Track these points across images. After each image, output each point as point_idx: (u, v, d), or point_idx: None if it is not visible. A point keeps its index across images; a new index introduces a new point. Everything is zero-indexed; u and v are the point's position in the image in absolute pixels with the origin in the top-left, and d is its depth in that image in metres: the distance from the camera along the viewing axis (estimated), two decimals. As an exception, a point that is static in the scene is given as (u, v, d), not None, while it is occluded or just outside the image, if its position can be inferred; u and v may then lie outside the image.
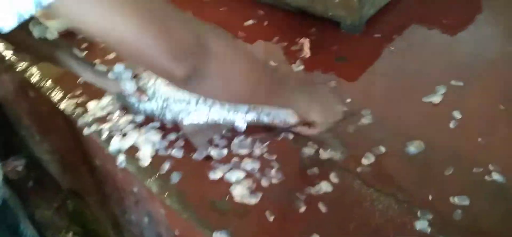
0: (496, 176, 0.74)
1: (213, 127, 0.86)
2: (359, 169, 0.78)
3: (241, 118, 0.85)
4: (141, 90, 0.86)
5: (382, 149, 0.81)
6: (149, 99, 0.87)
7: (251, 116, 0.85)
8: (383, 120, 0.87)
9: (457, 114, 0.87)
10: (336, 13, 1.17)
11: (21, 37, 0.75)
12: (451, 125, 0.85)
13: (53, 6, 0.45)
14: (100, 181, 1.14)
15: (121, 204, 1.11)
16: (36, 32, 0.72)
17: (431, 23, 1.20)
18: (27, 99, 1.29)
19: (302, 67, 1.06)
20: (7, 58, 1.20)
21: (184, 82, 0.57)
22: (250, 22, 1.27)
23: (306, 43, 1.13)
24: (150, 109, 0.88)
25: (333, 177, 0.76)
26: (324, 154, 0.81)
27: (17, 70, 1.15)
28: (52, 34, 0.79)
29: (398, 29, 1.18)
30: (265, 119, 0.85)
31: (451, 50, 1.09)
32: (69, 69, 0.83)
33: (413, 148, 0.81)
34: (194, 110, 0.85)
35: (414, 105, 0.91)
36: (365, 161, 0.79)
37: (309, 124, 0.82)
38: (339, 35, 1.18)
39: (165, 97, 0.86)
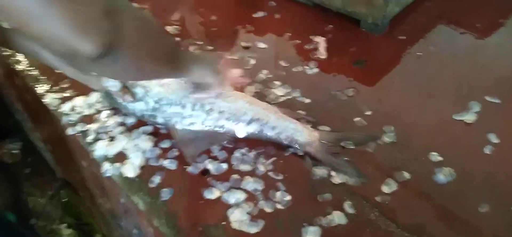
0: (540, 218, 0.63)
1: (210, 136, 0.75)
2: (378, 198, 0.67)
3: (241, 129, 0.75)
4: (126, 89, 0.76)
5: (406, 175, 0.70)
6: (137, 99, 0.76)
7: (253, 128, 0.75)
8: (407, 139, 0.76)
9: (493, 138, 0.76)
10: (356, 10, 1.05)
11: None
12: (486, 151, 0.74)
13: None
14: (89, 180, 1.04)
15: (111, 208, 1.01)
16: (4, 23, 0.62)
17: (462, 25, 1.07)
18: (14, 85, 1.19)
19: (316, 70, 0.95)
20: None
21: (91, 62, 0.49)
22: (260, 14, 1.15)
23: (321, 42, 1.02)
24: (140, 111, 0.78)
25: (348, 207, 0.66)
26: (338, 177, 0.70)
27: (3, 54, 1.05)
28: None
29: (425, 31, 1.06)
30: (269, 133, 0.74)
31: (485, 59, 0.97)
32: (49, 63, 0.72)
33: (442, 175, 0.70)
34: (189, 115, 0.75)
35: (443, 124, 0.80)
36: (385, 189, 0.68)
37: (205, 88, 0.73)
38: (359, 35, 1.06)
39: (158, 98, 0.76)
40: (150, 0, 1.27)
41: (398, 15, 1.07)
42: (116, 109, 0.82)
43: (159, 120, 0.77)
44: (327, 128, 0.78)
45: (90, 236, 1.49)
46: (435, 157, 0.72)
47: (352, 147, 0.75)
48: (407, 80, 0.91)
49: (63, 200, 1.60)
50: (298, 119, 0.77)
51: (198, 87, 0.73)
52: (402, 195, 0.67)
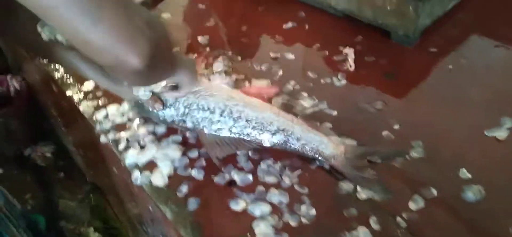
0: None
1: (235, 142, 0.77)
2: (405, 214, 0.66)
3: (267, 138, 0.75)
4: (156, 97, 0.77)
5: (434, 192, 0.69)
6: (168, 106, 0.78)
7: (278, 138, 0.75)
8: (436, 154, 0.75)
9: (526, 156, 0.73)
10: (387, 22, 1.05)
11: (31, 37, 0.68)
12: (519, 169, 0.72)
13: None
14: (119, 186, 1.07)
15: (138, 214, 1.04)
16: (45, 33, 0.65)
17: (496, 37, 1.04)
18: (51, 91, 1.23)
19: (345, 81, 0.94)
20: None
21: (138, 75, 0.53)
22: (289, 24, 1.15)
23: (350, 53, 1.01)
24: (170, 116, 0.79)
25: (374, 222, 0.65)
26: (363, 193, 0.69)
27: (42, 61, 1.10)
28: (62, 37, 0.71)
29: (457, 43, 1.04)
30: (294, 144, 0.75)
31: (520, 74, 0.94)
32: (82, 74, 0.75)
33: (471, 193, 0.68)
34: (217, 121, 0.77)
35: (474, 140, 0.78)
36: (412, 205, 0.67)
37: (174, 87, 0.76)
38: (389, 47, 1.04)
39: (188, 103, 0.78)
40: (179, 9, 1.30)
41: (429, 27, 1.05)
42: (145, 118, 0.84)
43: (189, 124, 0.78)
44: (353, 142, 0.78)
45: (117, 239, 1.52)
46: (464, 173, 0.71)
47: (378, 161, 0.74)
48: (438, 93, 0.90)
49: (92, 204, 1.64)
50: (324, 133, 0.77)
51: (174, 86, 0.76)
52: (430, 212, 0.66)
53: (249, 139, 0.77)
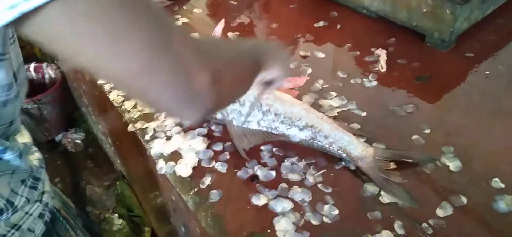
0: None
1: (263, 135, 0.76)
2: (431, 221, 0.64)
3: (295, 133, 0.75)
4: None
5: (464, 200, 0.66)
6: None
7: (306, 134, 0.75)
8: (468, 161, 0.72)
9: None
10: (422, 24, 1.02)
11: None
12: (555, 182, 0.68)
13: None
14: (144, 175, 1.09)
15: (162, 203, 1.05)
16: None
17: (537, 45, 1.00)
18: (84, 80, 1.26)
19: (375, 83, 0.92)
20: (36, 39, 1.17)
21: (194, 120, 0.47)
22: (321, 23, 1.14)
23: (382, 55, 0.99)
24: None
25: (398, 227, 0.63)
26: (387, 197, 0.67)
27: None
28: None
29: (494, 49, 1.00)
30: (322, 142, 0.74)
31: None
32: None
33: (504, 204, 0.65)
34: (247, 113, 0.76)
35: (508, 149, 0.75)
36: (440, 212, 0.65)
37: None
38: (423, 50, 1.02)
39: None
40: (210, 4, 1.31)
41: (466, 31, 1.02)
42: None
43: (218, 115, 0.79)
44: (382, 146, 0.76)
45: (139, 227, 1.54)
46: (497, 183, 0.68)
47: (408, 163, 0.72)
48: (472, 99, 0.87)
49: (118, 192, 1.68)
50: (353, 134, 0.76)
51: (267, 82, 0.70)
52: (458, 221, 0.64)
53: (276, 133, 0.76)
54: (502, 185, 0.68)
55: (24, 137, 0.59)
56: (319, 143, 0.74)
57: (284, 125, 0.76)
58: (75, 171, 1.86)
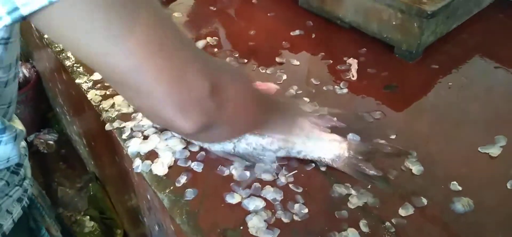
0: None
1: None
2: (394, 220, 0.68)
3: (269, 156, 0.77)
4: None
5: (424, 201, 0.71)
6: None
7: (280, 154, 0.77)
8: (429, 166, 0.77)
9: (517, 174, 0.75)
10: (392, 36, 1.07)
11: None
12: (509, 185, 0.74)
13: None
14: (119, 176, 1.10)
15: (135, 203, 1.06)
16: None
17: (497, 59, 1.07)
18: (61, 79, 1.27)
19: (346, 90, 0.97)
20: (46, 36, 1.18)
21: (192, 136, 0.48)
22: (297, 32, 1.18)
23: (354, 64, 1.04)
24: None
25: (363, 225, 0.67)
26: (357, 198, 0.71)
27: (54, 50, 1.13)
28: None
29: (458, 62, 1.06)
30: (297, 156, 0.77)
31: (518, 95, 0.96)
32: None
33: (460, 205, 0.70)
34: (218, 144, 0.77)
35: (467, 155, 0.80)
36: (402, 212, 0.69)
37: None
38: (392, 61, 1.07)
39: None
40: (190, 9, 1.33)
41: (432, 45, 1.08)
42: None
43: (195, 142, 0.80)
44: (357, 137, 0.80)
45: (111, 230, 1.54)
46: (455, 186, 0.73)
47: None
48: (436, 109, 0.92)
49: (90, 194, 1.67)
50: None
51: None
52: (418, 220, 0.68)
53: (253, 156, 0.77)
54: (460, 188, 0.73)
55: (18, 124, 0.61)
56: (294, 157, 0.77)
57: (257, 151, 0.76)
58: (47, 172, 1.85)
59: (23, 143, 0.64)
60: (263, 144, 0.76)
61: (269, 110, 0.68)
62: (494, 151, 0.80)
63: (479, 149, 0.81)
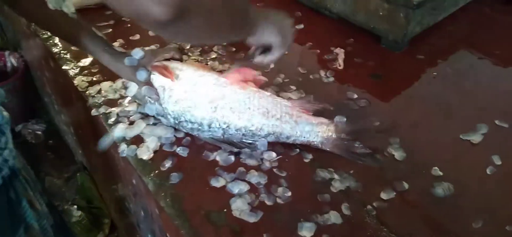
0: (534, 241, 0.64)
1: (231, 142, 0.78)
2: (375, 203, 0.69)
3: (260, 143, 0.78)
4: (151, 85, 0.79)
5: (405, 185, 0.72)
6: (158, 114, 0.81)
7: (270, 139, 0.78)
8: (411, 152, 0.78)
9: (496, 160, 0.77)
10: (379, 27, 1.08)
11: (34, 6, 0.70)
12: (488, 171, 0.75)
13: None
14: (105, 163, 1.10)
15: (122, 191, 1.06)
16: (51, 3, 0.66)
17: (482, 51, 1.09)
18: (49, 68, 1.26)
19: (332, 79, 0.98)
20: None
21: (164, 26, 0.47)
22: (285, 22, 1.18)
23: (341, 54, 1.05)
24: (166, 122, 0.81)
25: (345, 208, 0.68)
26: (339, 182, 0.72)
27: (42, 37, 1.12)
28: (68, 8, 0.72)
29: (444, 53, 1.08)
30: (286, 141, 0.78)
31: (500, 86, 0.98)
32: (83, 48, 0.77)
33: (441, 189, 0.71)
34: (208, 131, 0.78)
35: (449, 141, 0.82)
36: (384, 195, 0.70)
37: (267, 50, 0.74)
38: (378, 51, 1.08)
39: (176, 115, 0.78)
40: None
41: (419, 35, 1.09)
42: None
43: (184, 130, 0.80)
44: (343, 118, 0.82)
45: (98, 219, 1.54)
46: (436, 171, 0.74)
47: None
48: (420, 98, 0.93)
49: (78, 183, 1.67)
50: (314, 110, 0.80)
51: (261, 48, 0.73)
52: (399, 203, 0.69)
53: (242, 143, 0.78)
54: (441, 173, 0.74)
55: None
56: (283, 141, 0.78)
57: (247, 137, 0.77)
58: (34, 162, 1.84)
59: (6, 113, 0.64)
60: (252, 130, 0.77)
61: (245, 13, 0.65)
62: (475, 138, 0.81)
63: (460, 136, 0.82)
